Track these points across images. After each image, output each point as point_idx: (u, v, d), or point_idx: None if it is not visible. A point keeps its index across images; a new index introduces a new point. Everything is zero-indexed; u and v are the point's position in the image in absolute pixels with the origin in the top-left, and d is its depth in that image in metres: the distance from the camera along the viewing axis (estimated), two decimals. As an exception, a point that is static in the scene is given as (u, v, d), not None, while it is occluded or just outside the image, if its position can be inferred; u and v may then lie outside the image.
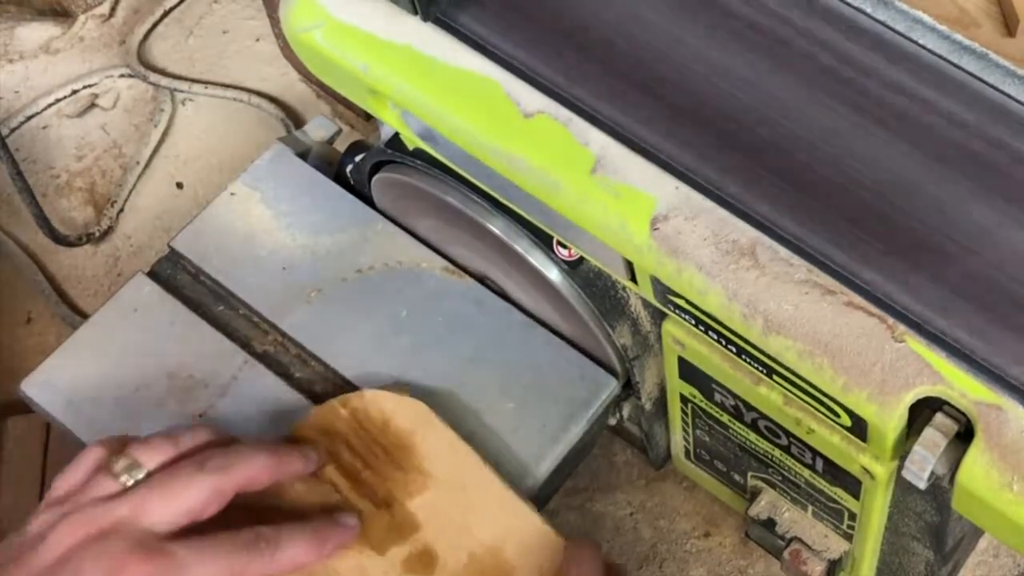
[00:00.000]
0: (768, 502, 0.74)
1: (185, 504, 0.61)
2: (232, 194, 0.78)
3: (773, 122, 0.59)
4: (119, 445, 0.63)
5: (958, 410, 0.53)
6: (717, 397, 0.67)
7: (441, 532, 0.66)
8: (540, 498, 0.71)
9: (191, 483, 0.61)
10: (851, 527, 0.70)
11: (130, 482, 0.62)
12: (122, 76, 1.07)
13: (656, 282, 0.60)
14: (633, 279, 0.62)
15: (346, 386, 0.72)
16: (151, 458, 0.62)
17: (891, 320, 0.54)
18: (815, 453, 0.64)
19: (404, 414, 0.68)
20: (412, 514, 0.66)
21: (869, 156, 0.58)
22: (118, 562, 0.58)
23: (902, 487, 0.62)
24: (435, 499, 0.67)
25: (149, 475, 0.62)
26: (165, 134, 1.04)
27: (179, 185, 1.02)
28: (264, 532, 0.62)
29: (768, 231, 0.57)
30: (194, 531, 0.61)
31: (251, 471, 0.63)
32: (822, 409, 0.58)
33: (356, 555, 0.65)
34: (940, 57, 0.59)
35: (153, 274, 0.76)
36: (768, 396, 0.62)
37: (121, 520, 0.60)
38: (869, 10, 0.60)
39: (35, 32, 1.08)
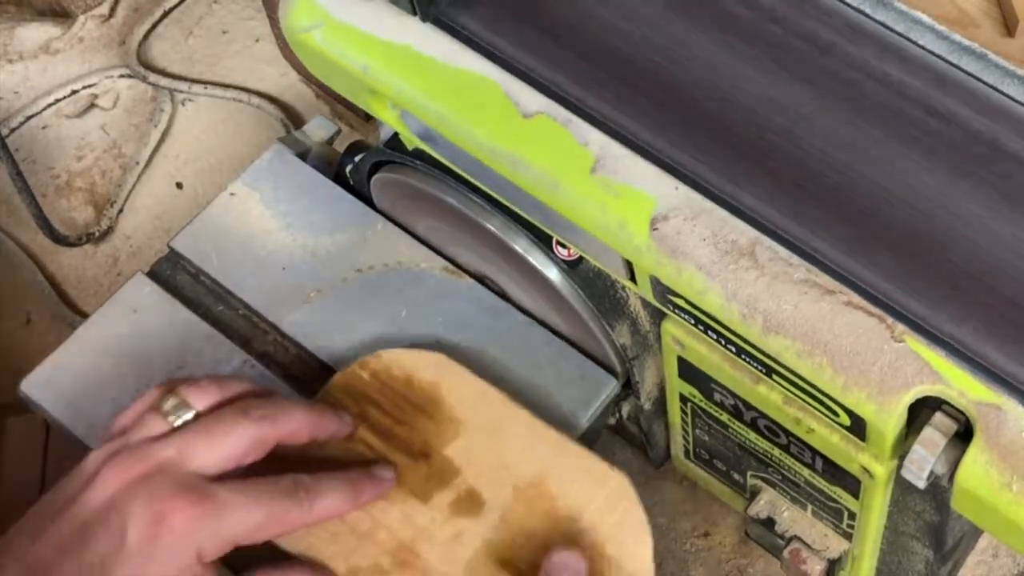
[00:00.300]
0: (768, 501, 0.74)
1: (228, 449, 0.61)
2: (232, 194, 0.78)
3: (772, 123, 0.59)
4: (171, 386, 0.64)
5: (957, 409, 0.53)
6: (717, 397, 0.67)
7: (481, 473, 0.66)
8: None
9: (235, 429, 0.62)
10: (851, 526, 0.70)
11: (178, 422, 0.62)
12: (122, 76, 1.07)
13: (656, 282, 0.60)
14: (632, 279, 0.62)
15: (346, 386, 0.72)
16: (200, 399, 0.63)
17: (890, 319, 0.54)
18: (814, 452, 0.64)
19: (426, 367, 0.69)
20: (450, 460, 0.67)
21: (869, 156, 0.58)
22: (165, 505, 0.59)
23: (901, 486, 0.62)
24: (470, 443, 0.67)
25: (197, 416, 0.62)
26: (165, 134, 1.04)
27: (179, 185, 1.02)
28: (304, 481, 0.62)
29: (768, 231, 0.57)
30: (233, 478, 0.62)
31: (293, 424, 0.63)
32: (821, 408, 0.58)
33: (400, 506, 0.66)
34: (939, 57, 0.59)
35: (153, 274, 0.76)
36: (768, 395, 0.62)
37: (167, 461, 0.60)
38: (869, 11, 0.60)
39: (35, 32, 1.08)
